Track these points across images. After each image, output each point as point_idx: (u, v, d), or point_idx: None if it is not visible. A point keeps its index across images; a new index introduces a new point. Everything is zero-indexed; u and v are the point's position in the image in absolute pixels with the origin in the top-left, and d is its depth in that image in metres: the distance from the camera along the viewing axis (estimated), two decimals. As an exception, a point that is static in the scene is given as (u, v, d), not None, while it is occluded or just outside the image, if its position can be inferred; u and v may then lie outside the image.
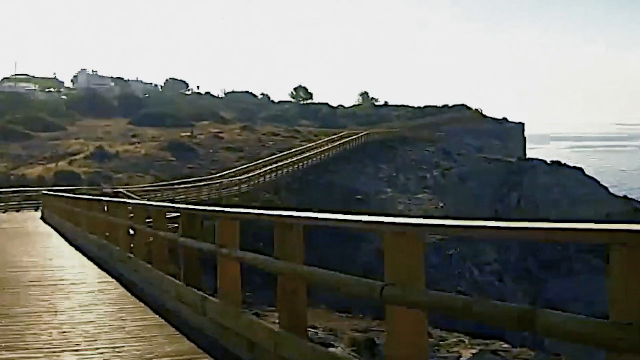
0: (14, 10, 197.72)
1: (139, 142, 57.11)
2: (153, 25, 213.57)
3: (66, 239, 17.74)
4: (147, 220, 10.22)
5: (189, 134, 63.74)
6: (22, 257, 13.81)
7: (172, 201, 38.92)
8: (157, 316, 7.64)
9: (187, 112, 78.77)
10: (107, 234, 13.20)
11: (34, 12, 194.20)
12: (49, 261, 13.35)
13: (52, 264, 12.87)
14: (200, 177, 46.86)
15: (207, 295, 6.96)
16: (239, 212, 6.80)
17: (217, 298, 6.57)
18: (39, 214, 31.20)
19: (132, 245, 10.91)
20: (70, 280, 10.64)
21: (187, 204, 40.30)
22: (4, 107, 70.39)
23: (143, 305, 8.36)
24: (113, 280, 10.52)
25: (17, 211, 35.81)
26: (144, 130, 63.39)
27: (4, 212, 34.33)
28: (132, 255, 10.63)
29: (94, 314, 7.82)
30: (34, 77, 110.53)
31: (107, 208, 13.49)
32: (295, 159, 51.31)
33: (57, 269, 12.10)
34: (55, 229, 21.13)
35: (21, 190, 38.87)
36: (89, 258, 13.40)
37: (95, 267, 12.21)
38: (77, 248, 15.41)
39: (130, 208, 11.88)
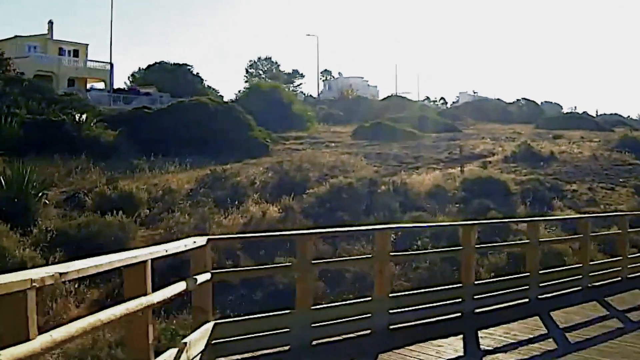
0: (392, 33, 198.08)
1: (569, 141, 39.56)
2: (537, 47, 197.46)
3: None
4: None
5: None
6: None
7: None
8: None
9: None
10: None
11: (413, 43, 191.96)
12: None
13: None
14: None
15: None
16: None
17: None
18: None
19: None
20: None
21: None
22: (382, 110, 63.55)
23: None
24: None
25: None
26: (562, 132, 45.61)
27: None
28: None
29: None
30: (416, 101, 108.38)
31: None
32: None
33: None
34: None
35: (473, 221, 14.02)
36: None
37: None
38: None
39: None
